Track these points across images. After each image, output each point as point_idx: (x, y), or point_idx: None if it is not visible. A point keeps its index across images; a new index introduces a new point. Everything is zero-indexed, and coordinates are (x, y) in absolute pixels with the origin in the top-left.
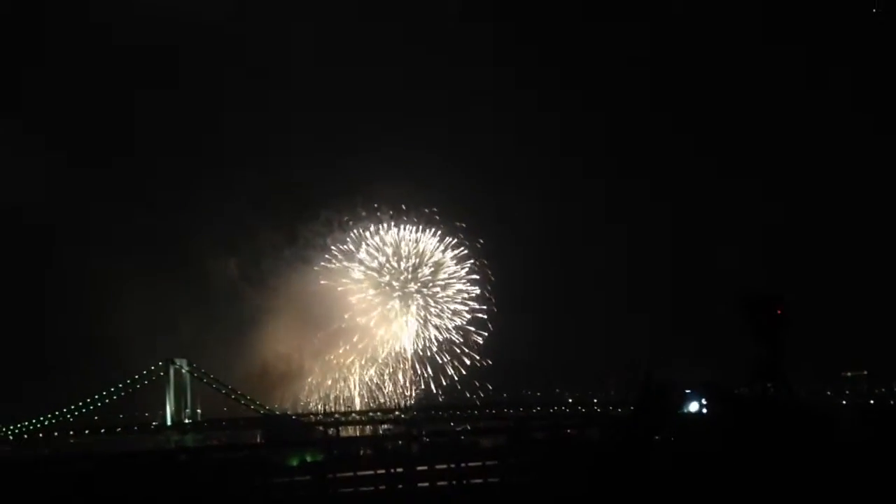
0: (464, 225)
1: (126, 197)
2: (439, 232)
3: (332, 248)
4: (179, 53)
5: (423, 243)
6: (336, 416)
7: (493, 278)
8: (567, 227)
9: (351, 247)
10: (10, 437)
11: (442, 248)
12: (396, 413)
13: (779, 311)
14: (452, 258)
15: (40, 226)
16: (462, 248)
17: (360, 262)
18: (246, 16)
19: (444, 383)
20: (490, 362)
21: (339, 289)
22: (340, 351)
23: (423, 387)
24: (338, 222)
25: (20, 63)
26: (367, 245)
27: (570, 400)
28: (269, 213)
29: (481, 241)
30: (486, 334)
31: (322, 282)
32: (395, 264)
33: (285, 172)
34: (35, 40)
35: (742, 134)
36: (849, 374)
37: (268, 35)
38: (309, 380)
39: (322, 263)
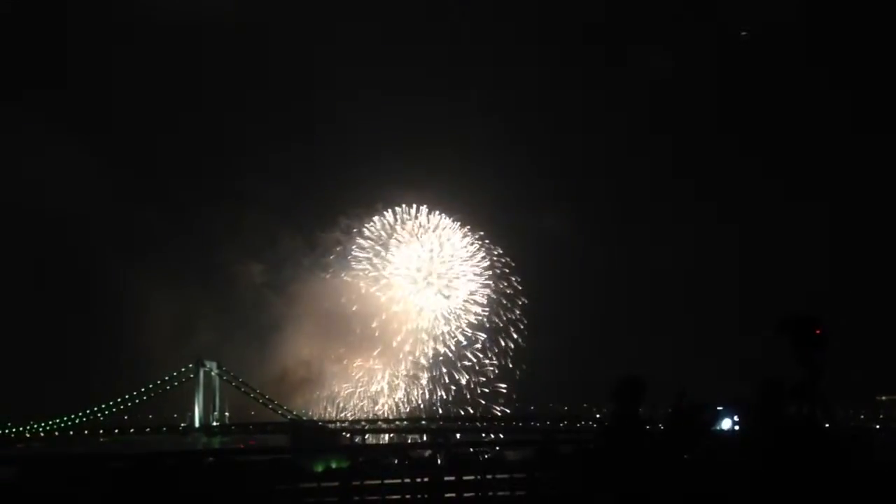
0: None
1: (151, 199)
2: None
3: (349, 255)
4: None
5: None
6: (362, 423)
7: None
8: (594, 235)
9: (371, 252)
10: (42, 434)
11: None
12: (423, 422)
13: (817, 332)
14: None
15: (68, 226)
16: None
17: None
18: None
19: (469, 396)
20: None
21: (364, 294)
22: (362, 359)
23: (448, 397)
24: (356, 229)
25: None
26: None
27: (598, 416)
28: (291, 219)
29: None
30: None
31: (337, 298)
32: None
33: (308, 177)
34: (52, 36)
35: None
36: (883, 397)
37: (290, 34)
38: (335, 389)
39: (333, 271)
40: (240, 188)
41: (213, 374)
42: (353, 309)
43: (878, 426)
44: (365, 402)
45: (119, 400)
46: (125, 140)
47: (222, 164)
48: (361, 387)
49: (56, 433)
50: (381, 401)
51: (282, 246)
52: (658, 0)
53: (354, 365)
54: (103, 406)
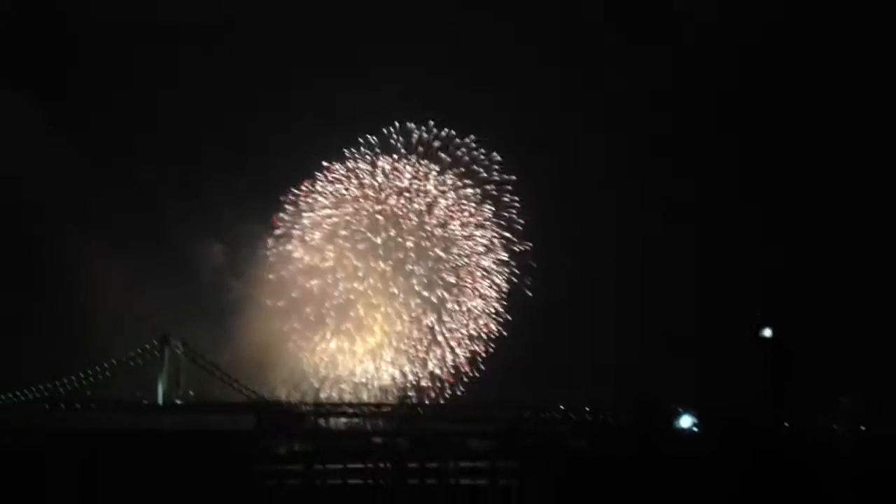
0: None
1: (108, 176)
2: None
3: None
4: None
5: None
6: (326, 406)
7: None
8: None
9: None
10: None
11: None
12: (388, 408)
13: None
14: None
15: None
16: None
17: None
18: None
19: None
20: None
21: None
22: (321, 338)
23: (415, 383)
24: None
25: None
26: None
27: (563, 407)
28: (248, 198)
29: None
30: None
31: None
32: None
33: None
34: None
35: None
36: (845, 399)
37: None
38: (297, 371)
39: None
40: (204, 165)
41: (178, 352)
42: (310, 285)
43: (834, 426)
44: (330, 385)
45: (81, 375)
46: (82, 111)
47: (184, 140)
48: (325, 370)
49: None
50: (347, 383)
51: (242, 227)
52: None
53: (315, 346)
54: (65, 381)
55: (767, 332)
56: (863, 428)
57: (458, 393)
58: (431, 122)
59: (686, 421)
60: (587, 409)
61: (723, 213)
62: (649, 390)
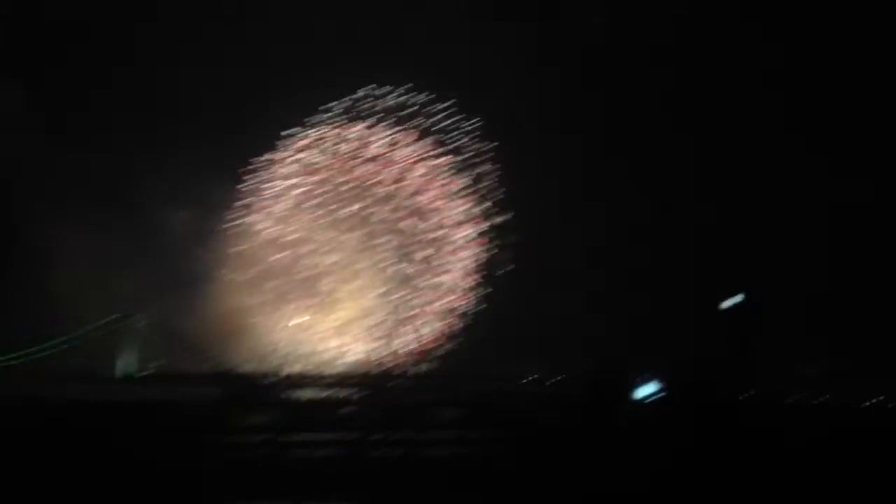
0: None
1: (71, 141)
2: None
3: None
4: None
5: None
6: (293, 377)
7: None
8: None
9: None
10: None
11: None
12: (357, 378)
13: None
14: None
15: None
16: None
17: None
18: None
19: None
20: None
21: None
22: (286, 313)
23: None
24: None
25: None
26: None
27: (531, 377)
28: (214, 164)
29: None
30: None
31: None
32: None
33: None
34: None
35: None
36: (809, 367)
37: None
38: (266, 341)
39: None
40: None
41: (142, 323)
42: (279, 257)
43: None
44: (296, 361)
45: (42, 346)
46: (47, 75)
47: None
48: (290, 347)
49: None
50: (314, 355)
51: (210, 192)
52: None
53: (290, 319)
54: (24, 352)
55: (736, 298)
56: (826, 396)
57: (430, 367)
58: (405, 87)
59: (649, 388)
60: (558, 379)
61: (715, 207)
62: (616, 357)
